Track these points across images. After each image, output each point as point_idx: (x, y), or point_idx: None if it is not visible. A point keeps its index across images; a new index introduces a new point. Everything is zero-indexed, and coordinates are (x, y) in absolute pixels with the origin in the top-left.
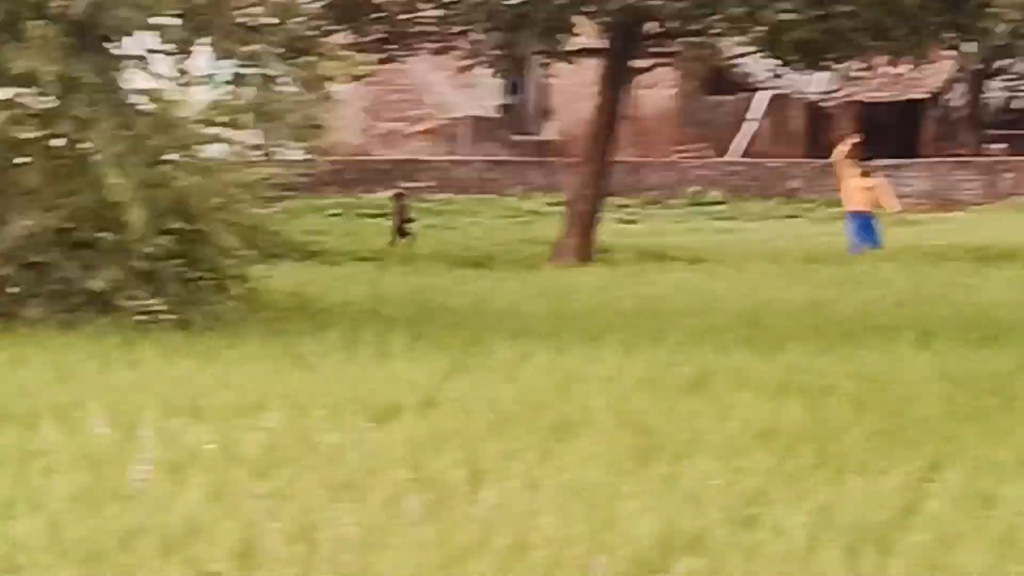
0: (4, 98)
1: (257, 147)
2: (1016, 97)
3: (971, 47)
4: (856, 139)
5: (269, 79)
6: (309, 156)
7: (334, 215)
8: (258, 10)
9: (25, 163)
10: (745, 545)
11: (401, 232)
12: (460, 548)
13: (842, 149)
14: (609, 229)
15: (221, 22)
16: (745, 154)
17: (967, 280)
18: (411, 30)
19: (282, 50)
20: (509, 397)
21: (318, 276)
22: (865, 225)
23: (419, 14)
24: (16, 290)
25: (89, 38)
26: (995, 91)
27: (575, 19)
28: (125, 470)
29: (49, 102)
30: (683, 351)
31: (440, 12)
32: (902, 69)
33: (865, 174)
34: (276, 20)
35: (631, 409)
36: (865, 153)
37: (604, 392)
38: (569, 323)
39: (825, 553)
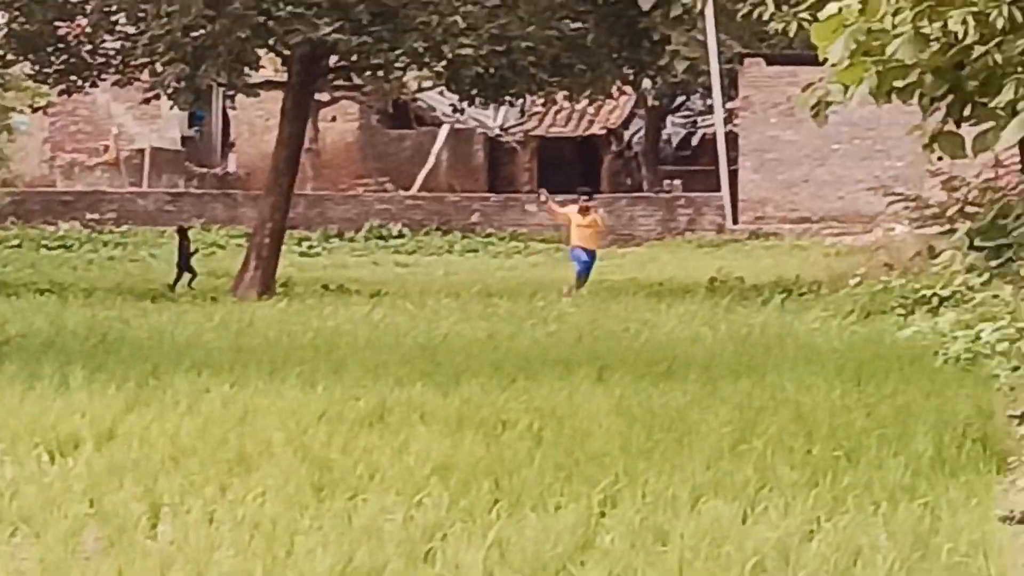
0: None
1: None
2: (694, 133)
3: (649, 84)
4: (587, 198)
5: None
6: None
7: (15, 247)
8: None
9: None
10: None
11: (187, 269)
12: None
13: (580, 211)
14: (290, 262)
15: None
16: (426, 188)
17: (644, 315)
18: (93, 61)
19: None
20: (188, 430)
21: (13, 311)
22: (583, 259)
23: (101, 45)
24: None
25: None
26: (674, 127)
27: (258, 52)
28: None
29: None
30: (362, 385)
31: (122, 43)
32: (581, 105)
33: (584, 211)
34: None
35: (309, 443)
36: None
37: (283, 426)
38: (249, 356)
39: None
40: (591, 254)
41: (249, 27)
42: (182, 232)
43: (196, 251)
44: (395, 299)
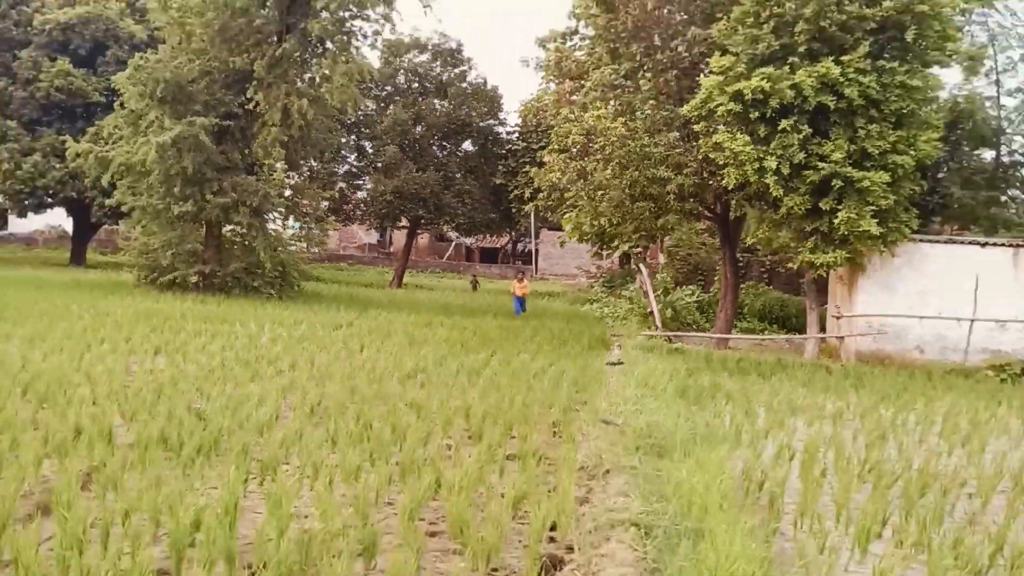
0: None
1: (306, 244)
2: (527, 249)
3: (514, 230)
4: (521, 274)
5: (310, 228)
6: (322, 249)
7: (324, 269)
8: (308, 208)
9: (233, 245)
10: (439, 372)
11: (474, 286)
12: (355, 368)
13: (517, 280)
14: (408, 280)
15: (298, 208)
16: (449, 258)
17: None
18: (347, 210)
19: (317, 219)
20: (377, 324)
21: (323, 288)
22: (521, 303)
23: (345, 205)
24: (228, 282)
25: (255, 214)
26: (519, 246)
27: (397, 216)
28: (259, 340)
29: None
30: (420, 315)
31: (354, 206)
32: (493, 237)
33: (520, 280)
34: (312, 210)
35: (409, 330)
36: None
37: (401, 325)
38: (395, 304)
39: (461, 378)
40: (522, 300)
41: (397, 208)
42: (474, 278)
43: (478, 282)
44: (431, 292)
